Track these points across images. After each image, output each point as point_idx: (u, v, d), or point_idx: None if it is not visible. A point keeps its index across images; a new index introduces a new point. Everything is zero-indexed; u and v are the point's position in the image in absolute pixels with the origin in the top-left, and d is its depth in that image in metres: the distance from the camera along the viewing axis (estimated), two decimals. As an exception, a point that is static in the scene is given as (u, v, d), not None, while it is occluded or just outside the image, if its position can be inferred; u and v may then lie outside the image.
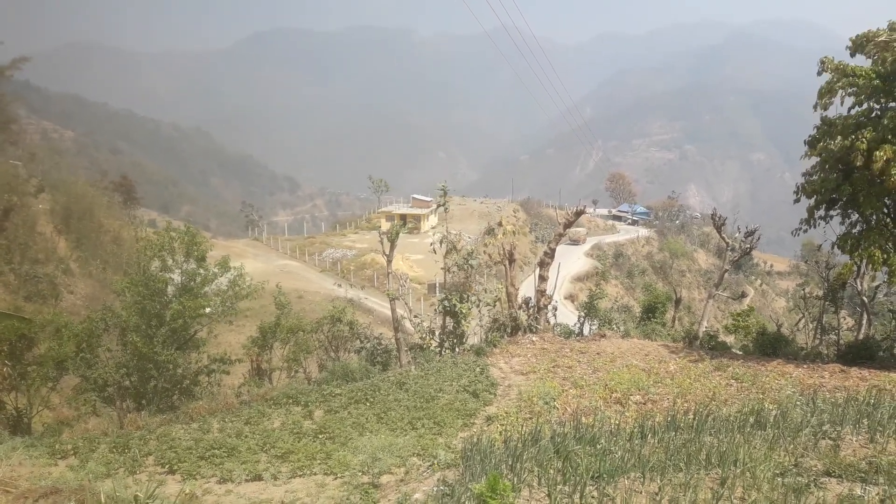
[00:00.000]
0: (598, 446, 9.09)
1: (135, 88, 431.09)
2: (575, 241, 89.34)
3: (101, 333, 21.41)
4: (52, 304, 37.26)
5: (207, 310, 21.79)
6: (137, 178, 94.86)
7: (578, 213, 27.27)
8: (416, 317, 24.55)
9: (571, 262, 71.32)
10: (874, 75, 18.85)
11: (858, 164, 18.33)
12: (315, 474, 12.26)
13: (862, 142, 18.04)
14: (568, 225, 27.10)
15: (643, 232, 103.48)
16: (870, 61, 19.54)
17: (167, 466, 13.12)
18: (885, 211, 19.71)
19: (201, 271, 22.05)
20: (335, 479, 11.89)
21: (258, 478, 12.28)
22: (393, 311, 23.21)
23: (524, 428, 11.95)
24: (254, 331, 24.91)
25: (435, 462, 11.22)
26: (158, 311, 20.79)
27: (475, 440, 10.42)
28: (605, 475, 7.70)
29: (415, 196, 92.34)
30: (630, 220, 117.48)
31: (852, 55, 19.97)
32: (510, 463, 8.66)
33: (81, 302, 42.04)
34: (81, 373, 20.30)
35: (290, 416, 15.66)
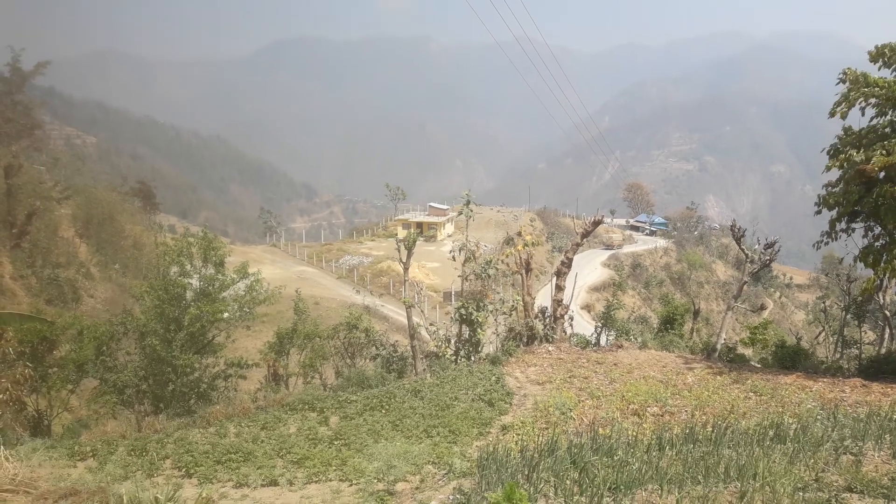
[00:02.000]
0: (615, 458, 9.02)
1: (155, 95, 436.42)
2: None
3: (121, 337, 21.66)
4: (73, 308, 37.74)
5: (225, 314, 21.97)
6: (157, 184, 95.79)
7: (596, 223, 27.19)
8: (431, 325, 24.58)
9: (588, 271, 71.03)
10: (896, 86, 18.66)
11: (876, 176, 18.17)
12: (330, 480, 12.28)
13: (882, 154, 17.87)
14: (585, 235, 27.04)
15: (661, 243, 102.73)
16: (892, 73, 19.37)
17: (184, 470, 13.19)
18: (909, 224, 19.44)
19: (219, 276, 22.24)
20: (350, 485, 11.89)
21: (274, 483, 12.32)
22: (409, 318, 23.27)
23: (540, 438, 11.90)
24: (271, 336, 25.07)
25: (450, 470, 11.19)
26: (177, 315, 20.99)
27: (491, 449, 10.38)
28: (622, 487, 7.64)
29: (431, 204, 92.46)
30: (648, 231, 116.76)
31: (871, 61, 19.79)
32: (526, 473, 8.62)
33: (101, 306, 42.51)
34: (101, 376, 20.53)
35: (305, 422, 15.70)
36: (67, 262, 45.26)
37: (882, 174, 18.14)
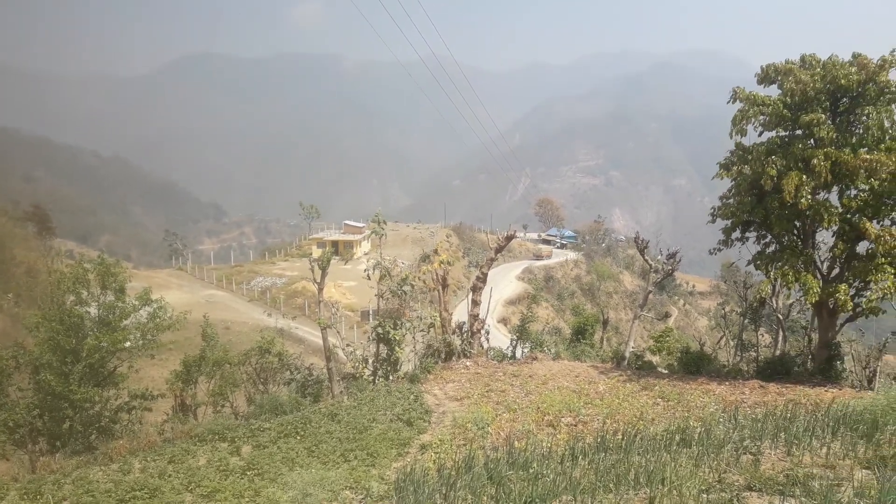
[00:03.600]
0: (531, 471, 9.11)
1: (51, 114, 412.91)
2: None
3: (12, 372, 20.14)
4: (-43, 342, 34.86)
5: (127, 344, 20.85)
6: (53, 208, 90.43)
7: (509, 238, 27.67)
8: (348, 345, 24.24)
9: (504, 285, 72.13)
10: (781, 105, 20.05)
11: (769, 188, 19.43)
12: (243, 513, 11.82)
13: (772, 168, 19.12)
14: (499, 250, 27.44)
15: (571, 255, 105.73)
16: (777, 91, 20.80)
17: (83, 512, 12.38)
18: (796, 232, 20.85)
19: (119, 304, 21.12)
20: (264, 516, 11.49)
21: (182, 519, 11.74)
22: (324, 339, 22.86)
23: (458, 455, 11.89)
24: (178, 364, 23.97)
25: (368, 495, 11.00)
26: (74, 346, 19.74)
27: (408, 470, 10.28)
28: (537, 500, 7.71)
29: (347, 222, 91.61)
30: (559, 244, 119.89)
31: (759, 83, 21.22)
32: (444, 492, 8.57)
33: (-10, 339, 39.51)
34: (-11, 415, 19.00)
35: (216, 453, 15.07)
36: (-49, 293, 41.92)
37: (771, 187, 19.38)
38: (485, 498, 8.14)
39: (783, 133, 20.83)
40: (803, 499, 7.16)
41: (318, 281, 23.37)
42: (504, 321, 59.72)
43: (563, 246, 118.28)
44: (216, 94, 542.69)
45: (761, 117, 20.60)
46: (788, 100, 20.03)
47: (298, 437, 15.80)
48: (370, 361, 23.44)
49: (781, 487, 7.60)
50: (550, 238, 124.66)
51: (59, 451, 18.78)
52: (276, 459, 14.43)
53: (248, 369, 24.66)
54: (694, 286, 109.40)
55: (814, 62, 20.59)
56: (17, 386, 20.31)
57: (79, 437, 19.75)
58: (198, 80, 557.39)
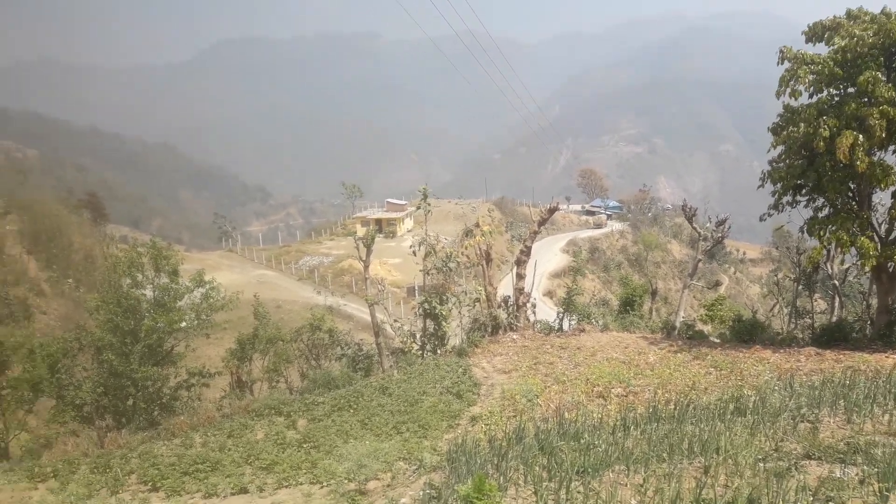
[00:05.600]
0: (582, 441, 9.15)
1: (97, 104, 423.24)
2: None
3: (76, 353, 21.06)
4: (25, 326, 36.49)
5: (183, 324, 21.53)
6: (105, 195, 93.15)
7: (552, 210, 27.47)
8: (396, 321, 24.54)
9: (548, 258, 71.73)
10: (832, 63, 19.26)
11: (822, 150, 18.76)
12: (301, 484, 12.19)
13: (825, 129, 18.42)
14: (542, 223, 27.28)
15: (617, 226, 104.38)
16: (826, 50, 19.97)
17: (150, 484, 12.94)
18: (850, 195, 20.14)
19: (173, 286, 21.79)
20: (321, 487, 11.83)
21: (244, 490, 12.18)
22: (373, 316, 23.20)
23: (508, 426, 12.00)
24: (232, 343, 24.68)
25: (421, 465, 11.21)
26: (132, 327, 20.50)
27: (460, 441, 10.44)
28: (589, 469, 7.75)
29: (389, 200, 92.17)
30: (605, 216, 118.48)
31: (807, 41, 20.41)
32: (495, 462, 8.69)
33: (55, 322, 41.24)
34: (56, 394, 19.95)
35: (273, 427, 15.53)
36: (17, 280, 43.75)
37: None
38: (537, 468, 8.22)
39: (835, 92, 20.04)
40: (865, 467, 7.03)
41: (364, 259, 23.67)
42: (550, 294, 59.45)
43: (608, 217, 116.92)
44: (255, 77, 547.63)
45: (811, 76, 19.79)
46: (839, 57, 19.23)
47: (351, 411, 16.15)
48: (418, 336, 23.71)
49: (842, 455, 7.48)
50: (595, 209, 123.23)
51: (125, 427, 19.60)
52: (331, 432, 14.80)
53: (301, 346, 25.24)
54: (745, 253, 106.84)
55: (863, 15, 19.68)
56: (82, 366, 21.24)
57: (142, 414, 20.58)
58: (236, 65, 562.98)
